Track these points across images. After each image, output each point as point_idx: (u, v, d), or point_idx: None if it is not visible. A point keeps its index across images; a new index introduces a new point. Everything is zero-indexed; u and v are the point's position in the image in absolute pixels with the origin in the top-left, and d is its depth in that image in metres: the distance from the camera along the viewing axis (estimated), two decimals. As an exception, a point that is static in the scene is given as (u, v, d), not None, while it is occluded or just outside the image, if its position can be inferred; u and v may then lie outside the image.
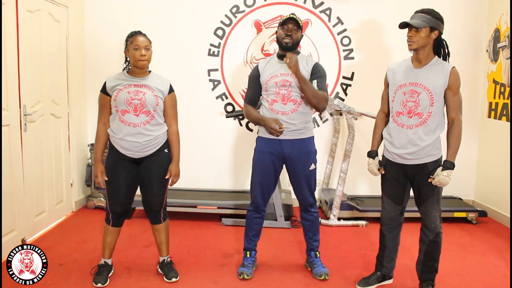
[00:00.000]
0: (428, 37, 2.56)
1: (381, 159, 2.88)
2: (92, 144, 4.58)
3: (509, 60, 4.23)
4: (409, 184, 2.77)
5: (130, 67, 2.80)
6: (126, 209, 2.89)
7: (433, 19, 2.55)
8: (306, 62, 2.97)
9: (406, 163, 2.69)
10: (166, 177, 2.87)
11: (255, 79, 2.99)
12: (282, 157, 2.97)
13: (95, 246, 3.51)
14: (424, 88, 2.60)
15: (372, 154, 2.91)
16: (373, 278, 3.00)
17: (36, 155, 3.71)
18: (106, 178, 2.78)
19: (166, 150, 2.86)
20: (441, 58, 2.66)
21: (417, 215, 2.82)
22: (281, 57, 2.94)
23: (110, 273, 2.99)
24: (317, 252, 3.19)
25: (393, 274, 3.03)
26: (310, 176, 3.05)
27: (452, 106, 2.59)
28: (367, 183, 4.83)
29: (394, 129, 2.72)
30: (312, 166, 3.03)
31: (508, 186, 4.24)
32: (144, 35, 2.76)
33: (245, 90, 3.31)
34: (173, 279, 2.96)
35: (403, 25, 2.61)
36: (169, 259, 3.07)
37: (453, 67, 2.58)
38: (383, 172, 2.85)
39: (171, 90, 2.85)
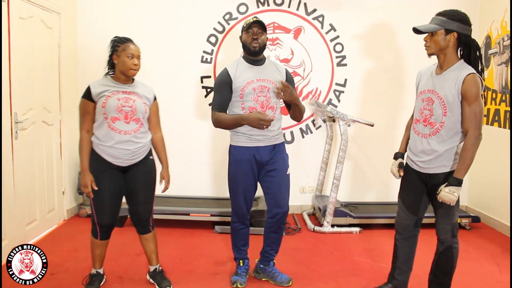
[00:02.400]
0: (444, 40, 2.39)
1: (403, 162, 2.78)
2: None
3: (501, 67, 4.26)
4: (426, 193, 2.63)
5: (114, 73, 2.74)
6: (114, 221, 2.82)
7: (448, 21, 2.38)
8: (276, 67, 2.94)
9: (421, 171, 2.59)
10: (160, 184, 2.87)
11: (226, 85, 2.82)
12: (261, 164, 2.90)
13: (87, 255, 3.44)
14: (438, 97, 2.45)
15: (396, 155, 2.82)
16: (386, 285, 2.90)
17: (28, 163, 3.68)
18: (96, 188, 2.67)
19: (151, 157, 2.86)
20: (471, 61, 2.42)
21: (423, 221, 2.79)
22: (250, 61, 2.87)
23: (102, 282, 2.96)
24: (275, 261, 3.18)
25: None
26: (287, 182, 3.02)
27: (466, 117, 2.37)
28: (361, 190, 4.83)
29: (412, 136, 2.65)
30: (288, 171, 3.00)
31: (501, 192, 4.26)
32: (135, 44, 2.74)
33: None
34: None
35: (414, 30, 2.49)
36: (160, 268, 3.03)
37: (470, 73, 2.34)
38: (401, 174, 2.74)
39: (155, 98, 2.87)
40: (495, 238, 4.13)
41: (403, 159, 2.80)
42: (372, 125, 4.17)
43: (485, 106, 4.51)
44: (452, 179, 2.40)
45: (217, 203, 4.41)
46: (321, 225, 4.24)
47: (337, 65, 4.72)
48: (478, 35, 4.70)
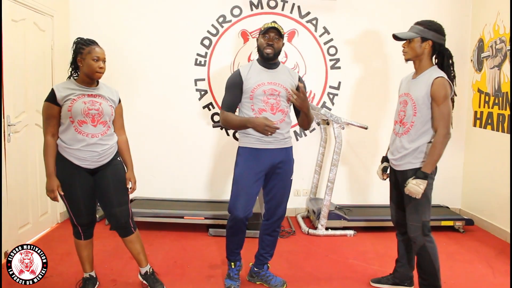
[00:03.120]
0: (420, 47, 2.62)
1: (387, 166, 2.98)
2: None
3: (493, 70, 4.29)
4: None
5: (77, 76, 2.69)
6: (93, 218, 2.81)
7: (425, 30, 2.60)
8: (290, 73, 2.94)
9: (395, 168, 2.81)
10: (128, 185, 2.84)
11: (237, 86, 2.83)
12: (269, 167, 2.87)
13: (80, 258, 3.46)
14: (410, 99, 2.66)
15: (382, 159, 3.04)
16: (386, 278, 3.11)
17: (20, 166, 3.65)
18: (62, 193, 2.63)
19: (118, 158, 2.83)
20: (444, 68, 2.64)
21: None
22: (264, 64, 2.86)
23: (96, 286, 2.95)
24: (269, 264, 3.18)
25: (413, 282, 3.05)
26: (290, 186, 3.03)
27: (435, 117, 2.57)
28: (355, 193, 4.83)
29: (391, 137, 2.87)
30: (292, 176, 3.01)
31: (495, 194, 4.28)
32: (101, 47, 2.70)
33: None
34: None
35: (394, 37, 2.71)
36: (151, 270, 2.99)
37: (439, 77, 2.55)
38: (385, 177, 2.99)
39: (119, 100, 2.84)
40: (489, 241, 4.15)
41: (388, 163, 2.96)
42: (366, 128, 4.18)
43: (478, 108, 4.55)
44: (419, 172, 2.59)
45: (211, 206, 4.39)
46: (315, 228, 4.24)
47: (331, 68, 4.73)
48: (470, 38, 4.73)
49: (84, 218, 2.75)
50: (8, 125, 3.44)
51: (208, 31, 4.63)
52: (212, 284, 3.09)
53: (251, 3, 4.61)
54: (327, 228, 4.21)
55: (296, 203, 4.86)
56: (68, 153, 2.62)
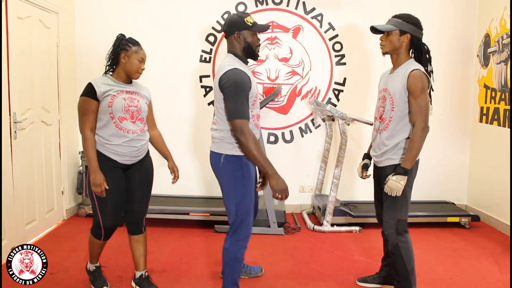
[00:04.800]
0: (398, 40, 2.56)
1: (367, 163, 2.97)
2: (83, 152, 4.54)
3: (500, 65, 4.26)
4: None
5: (114, 70, 2.69)
6: (119, 221, 2.75)
7: (403, 23, 2.54)
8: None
9: (376, 165, 2.78)
10: (171, 174, 2.94)
11: (248, 90, 2.39)
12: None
13: (86, 255, 3.43)
14: (388, 93, 2.61)
15: (363, 156, 3.00)
16: (372, 277, 3.07)
17: (27, 163, 3.67)
18: (108, 187, 2.58)
19: (149, 155, 2.88)
20: (422, 63, 2.58)
21: (410, 220, 2.78)
22: (245, 62, 2.55)
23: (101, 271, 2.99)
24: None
25: None
26: None
27: (412, 110, 2.50)
28: (360, 189, 4.82)
29: (372, 134, 2.81)
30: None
31: (501, 190, 4.26)
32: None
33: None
34: None
35: (371, 29, 2.65)
36: (146, 274, 2.94)
37: (415, 69, 2.48)
38: (364, 175, 2.97)
39: (150, 97, 2.88)
40: (495, 237, 4.13)
41: (369, 160, 2.95)
42: (371, 124, 4.16)
43: (485, 104, 4.52)
44: (399, 168, 2.52)
45: (217, 202, 4.38)
46: (320, 224, 4.23)
47: (336, 64, 4.71)
48: (477, 33, 4.70)
49: (112, 220, 2.69)
50: (14, 122, 3.45)
51: (213, 28, 4.62)
52: (219, 280, 3.09)
53: (256, -1, 4.61)
54: (332, 224, 4.21)
55: (301, 199, 4.87)
56: (107, 149, 2.61)
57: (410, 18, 2.56)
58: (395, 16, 2.60)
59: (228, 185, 2.52)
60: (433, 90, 2.66)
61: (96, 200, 2.64)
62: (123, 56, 2.63)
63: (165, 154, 2.95)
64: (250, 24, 2.47)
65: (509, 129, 4.11)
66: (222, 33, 4.61)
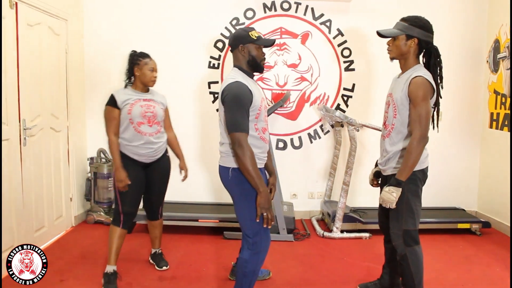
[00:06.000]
0: (405, 45, 2.49)
1: (379, 170, 2.84)
2: (91, 158, 4.55)
3: (509, 71, 4.23)
4: None
5: (132, 83, 3.12)
6: (136, 210, 3.15)
7: (410, 27, 2.46)
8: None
9: (383, 173, 2.72)
10: (180, 174, 3.36)
11: (249, 103, 2.35)
12: None
13: (96, 261, 3.46)
14: (392, 99, 2.55)
15: (376, 162, 2.89)
16: (373, 283, 3.03)
17: (36, 169, 3.66)
18: (129, 182, 2.97)
19: (167, 155, 3.28)
20: (430, 67, 2.51)
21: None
22: (250, 76, 2.50)
23: (117, 279, 3.06)
24: None
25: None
26: None
27: (411, 119, 2.42)
28: (370, 195, 4.77)
29: (380, 139, 2.75)
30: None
31: (510, 196, 4.22)
32: (153, 59, 3.14)
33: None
34: (164, 267, 3.34)
35: (378, 34, 2.58)
36: (160, 251, 3.45)
37: (417, 76, 2.39)
38: (375, 183, 2.89)
39: (166, 102, 3.30)
40: (506, 243, 4.08)
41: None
42: (381, 130, 4.14)
43: (495, 110, 4.49)
44: (392, 179, 2.45)
45: (226, 209, 4.37)
46: (330, 231, 4.20)
47: (345, 70, 4.70)
48: (486, 39, 4.68)
49: (129, 207, 3.07)
50: (24, 129, 3.45)
51: (222, 34, 4.63)
52: (229, 286, 3.07)
53: (265, 6, 4.61)
54: (342, 231, 4.18)
55: (310, 205, 4.84)
56: (128, 149, 3.04)
57: (418, 21, 2.48)
58: (403, 19, 2.53)
59: (240, 197, 2.50)
60: (441, 97, 2.57)
61: (118, 192, 3.03)
62: (136, 70, 3.07)
63: (178, 154, 3.36)
64: (255, 38, 2.47)
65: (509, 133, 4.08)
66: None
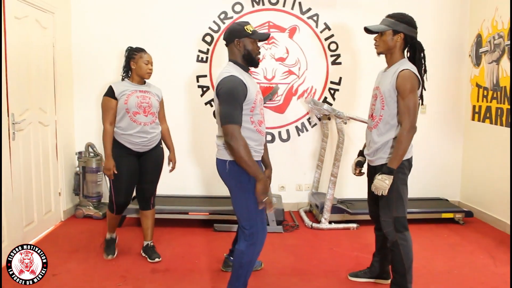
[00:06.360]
0: (392, 40, 2.59)
1: (361, 160, 3.01)
2: (80, 152, 4.53)
3: (491, 65, 4.35)
4: None
5: (130, 76, 3.28)
6: (129, 200, 3.35)
7: (396, 22, 2.57)
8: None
9: (370, 164, 2.82)
10: (168, 165, 3.46)
11: (243, 97, 2.39)
12: None
13: (87, 255, 3.47)
14: (379, 92, 2.65)
15: (358, 153, 3.06)
16: (363, 272, 3.14)
17: (25, 164, 3.64)
18: (116, 172, 3.17)
19: (161, 146, 3.42)
20: (415, 61, 2.61)
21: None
22: (246, 70, 2.55)
23: (115, 242, 3.53)
24: None
25: (390, 275, 3.00)
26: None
27: (400, 110, 2.53)
28: (357, 186, 4.86)
29: (366, 131, 2.85)
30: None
31: (493, 187, 4.37)
32: (148, 53, 3.29)
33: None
34: (156, 259, 3.38)
35: (365, 30, 2.69)
36: (152, 244, 3.49)
37: (404, 69, 2.50)
38: (357, 172, 3.02)
39: (161, 95, 3.44)
40: (489, 232, 4.23)
41: (364, 157, 2.98)
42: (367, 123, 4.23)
43: (477, 102, 4.62)
44: (384, 167, 2.56)
45: (216, 201, 4.42)
46: (318, 222, 4.28)
47: (332, 63, 4.77)
48: (469, 34, 4.80)
49: (122, 198, 3.28)
50: (13, 123, 3.43)
51: (210, 28, 4.64)
52: (222, 278, 3.11)
53: (253, 0, 4.63)
54: (330, 222, 4.26)
55: (298, 197, 4.91)
56: (123, 138, 3.20)
57: (403, 17, 2.59)
58: (388, 16, 2.64)
59: (236, 189, 2.54)
60: (425, 89, 2.67)
61: (112, 181, 3.22)
62: (132, 63, 3.24)
63: (169, 146, 3.52)
64: (250, 32, 2.50)
65: (500, 127, 4.21)
66: (219, 33, 4.64)
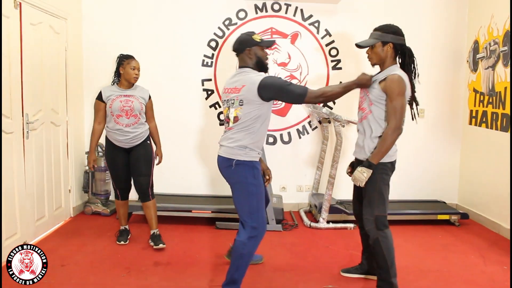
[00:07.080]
0: (383, 51, 2.78)
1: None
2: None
3: (488, 70, 4.47)
4: None
5: (119, 80, 3.64)
6: (128, 185, 3.80)
7: (384, 34, 2.76)
8: None
9: (357, 157, 2.96)
10: (155, 160, 3.81)
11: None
12: None
13: (94, 249, 3.66)
14: (368, 95, 2.83)
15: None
16: (354, 268, 3.29)
17: (37, 161, 3.85)
18: (96, 166, 3.83)
19: (148, 142, 3.75)
20: (405, 66, 2.80)
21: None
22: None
23: (129, 236, 3.91)
24: None
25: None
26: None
27: (388, 111, 2.69)
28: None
29: (357, 124, 3.01)
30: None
31: (489, 189, 4.47)
32: (136, 60, 3.63)
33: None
34: (160, 245, 3.67)
35: (356, 46, 2.89)
36: (157, 232, 3.79)
37: (393, 74, 2.67)
38: (349, 171, 3.10)
39: (149, 97, 3.76)
40: (482, 233, 4.33)
41: None
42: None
43: (474, 107, 4.73)
44: (365, 161, 2.73)
45: (218, 200, 4.59)
46: (317, 222, 4.43)
47: (332, 68, 4.92)
48: (466, 40, 4.92)
49: (122, 183, 3.76)
50: (27, 123, 3.64)
51: (215, 33, 4.83)
52: (221, 272, 3.26)
53: (256, 7, 4.81)
54: (328, 222, 4.40)
55: (299, 198, 5.06)
56: (110, 136, 3.64)
57: (389, 28, 2.78)
58: (376, 29, 2.83)
59: (240, 185, 2.72)
60: (415, 91, 2.85)
61: (109, 170, 3.76)
62: (121, 69, 3.60)
63: (156, 142, 3.87)
64: (259, 40, 2.75)
65: (495, 131, 4.32)
66: (223, 38, 4.82)
